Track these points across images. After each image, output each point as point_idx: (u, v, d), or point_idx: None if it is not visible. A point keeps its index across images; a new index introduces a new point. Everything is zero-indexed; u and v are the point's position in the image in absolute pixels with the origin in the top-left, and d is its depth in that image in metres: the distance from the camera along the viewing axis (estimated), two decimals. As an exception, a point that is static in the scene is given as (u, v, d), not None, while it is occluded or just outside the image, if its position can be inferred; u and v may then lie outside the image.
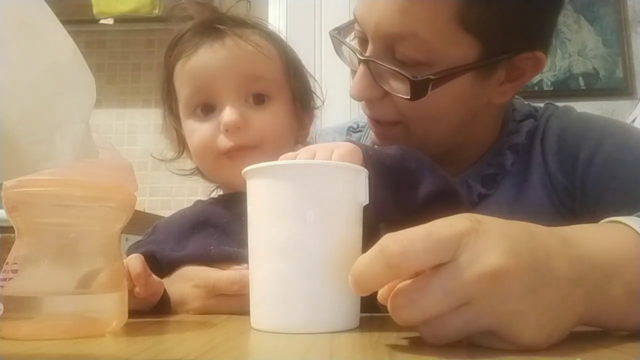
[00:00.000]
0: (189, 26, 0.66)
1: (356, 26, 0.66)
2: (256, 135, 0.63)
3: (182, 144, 0.72)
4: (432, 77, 0.58)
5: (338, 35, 0.69)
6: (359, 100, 0.66)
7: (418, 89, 0.59)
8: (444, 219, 0.35)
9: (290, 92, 0.68)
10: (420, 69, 0.59)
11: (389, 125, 0.66)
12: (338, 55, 0.71)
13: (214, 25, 0.65)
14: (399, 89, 0.61)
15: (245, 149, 0.63)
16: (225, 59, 0.63)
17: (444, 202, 0.52)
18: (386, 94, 0.63)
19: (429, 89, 0.59)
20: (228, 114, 0.62)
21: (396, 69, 0.60)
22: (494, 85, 0.64)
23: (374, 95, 0.64)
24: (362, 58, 0.63)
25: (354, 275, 0.35)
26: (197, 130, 0.65)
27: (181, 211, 0.71)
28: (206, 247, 0.61)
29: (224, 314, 0.55)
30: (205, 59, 0.63)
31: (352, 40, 0.69)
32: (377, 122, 0.68)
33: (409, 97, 0.59)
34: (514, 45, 0.61)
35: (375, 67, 0.62)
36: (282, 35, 0.72)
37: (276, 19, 1.95)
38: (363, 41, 0.65)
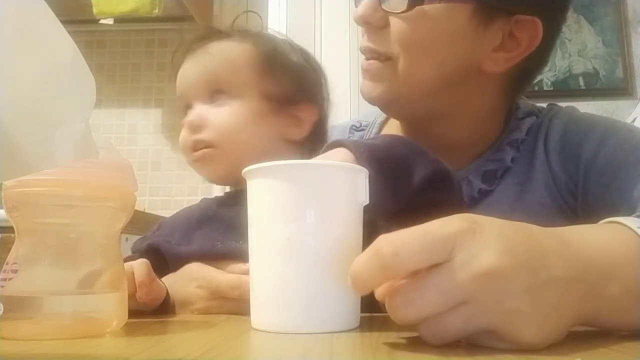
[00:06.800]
0: (184, 43, 0.72)
1: None
2: (211, 132, 0.65)
3: None
4: None
5: None
6: (361, 21, 0.68)
7: None
8: (440, 219, 0.35)
9: (258, 91, 0.66)
10: None
11: (379, 60, 0.67)
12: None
13: (198, 42, 0.69)
14: (398, 5, 0.63)
15: (205, 148, 0.65)
16: (192, 66, 0.68)
17: (438, 184, 0.51)
18: (386, 24, 0.65)
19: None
20: (189, 114, 0.66)
21: None
22: (487, 45, 0.65)
23: (374, 20, 0.66)
24: None
25: (351, 275, 0.35)
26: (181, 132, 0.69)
27: (187, 207, 0.72)
28: (213, 242, 0.61)
29: (227, 314, 0.55)
30: (183, 70, 0.69)
31: None
32: (369, 52, 0.69)
33: (405, 8, 0.62)
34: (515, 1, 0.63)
35: None
36: (281, 36, 0.73)
37: (276, 22, 1.95)
38: None
